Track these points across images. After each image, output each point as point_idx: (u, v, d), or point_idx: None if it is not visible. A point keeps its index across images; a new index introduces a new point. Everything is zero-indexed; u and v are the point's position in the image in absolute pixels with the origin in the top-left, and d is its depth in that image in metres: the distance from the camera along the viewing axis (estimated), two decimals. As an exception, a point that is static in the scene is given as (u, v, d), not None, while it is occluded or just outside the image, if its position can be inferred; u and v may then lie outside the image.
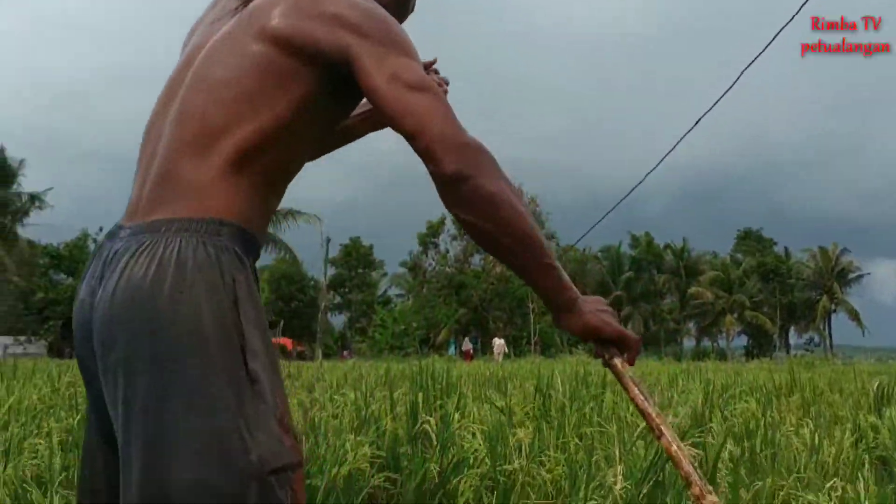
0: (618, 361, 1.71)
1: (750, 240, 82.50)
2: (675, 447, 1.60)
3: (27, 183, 60.43)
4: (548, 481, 4.40)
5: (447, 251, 71.56)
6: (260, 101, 1.56)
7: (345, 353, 58.82)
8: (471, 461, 4.76)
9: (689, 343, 79.94)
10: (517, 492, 4.09)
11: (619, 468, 3.86)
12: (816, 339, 79.25)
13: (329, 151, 2.15)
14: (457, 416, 5.47)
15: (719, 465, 3.63)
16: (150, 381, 1.36)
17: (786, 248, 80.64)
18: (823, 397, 8.54)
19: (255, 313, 1.47)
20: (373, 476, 5.54)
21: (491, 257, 51.51)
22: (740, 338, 78.84)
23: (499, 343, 44.63)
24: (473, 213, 1.53)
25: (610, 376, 9.82)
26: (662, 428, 1.62)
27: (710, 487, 1.55)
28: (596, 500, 3.67)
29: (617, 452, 4.16)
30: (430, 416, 5.48)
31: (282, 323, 58.59)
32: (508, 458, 4.52)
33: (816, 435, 4.91)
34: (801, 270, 78.15)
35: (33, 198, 55.12)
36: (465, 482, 4.46)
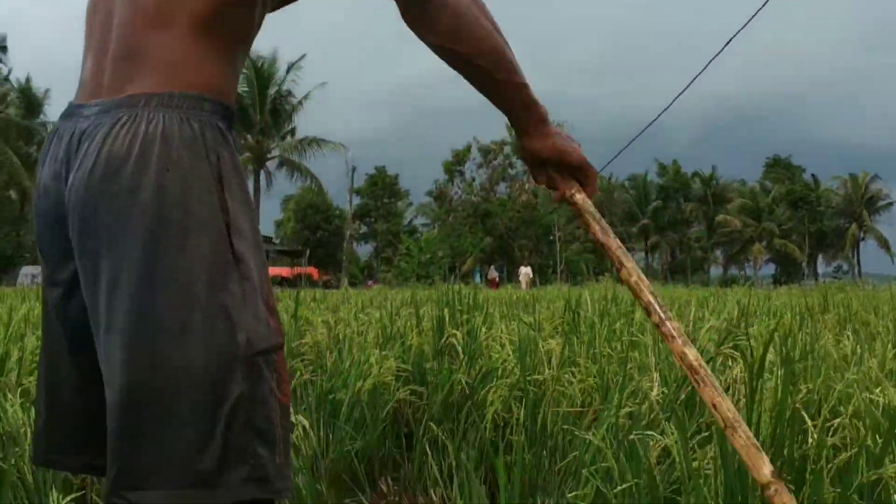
0: (579, 198, 1.75)
1: (779, 167, 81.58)
2: (634, 278, 1.68)
3: (52, 113, 60.46)
4: (579, 391, 4.27)
5: (473, 179, 71.40)
6: None
7: (370, 282, 58.98)
8: (499, 372, 4.64)
9: (715, 271, 79.76)
10: (548, 401, 3.95)
11: (655, 375, 3.70)
12: (845, 266, 78.84)
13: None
14: (483, 329, 5.33)
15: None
16: (135, 260, 1.31)
17: (814, 176, 79.79)
18: (858, 316, 8.35)
19: (240, 192, 1.42)
20: (398, 389, 5.44)
21: (517, 185, 51.29)
22: (768, 266, 78.68)
23: (525, 271, 43.36)
24: (441, 34, 1.49)
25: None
26: (623, 260, 1.69)
27: (671, 315, 1.65)
28: (630, 406, 3.52)
29: (652, 360, 4.01)
30: (457, 330, 5.35)
31: (308, 252, 58.87)
32: (538, 368, 4.39)
33: (857, 346, 4.75)
34: (831, 198, 77.47)
35: (59, 127, 55.04)
36: (494, 392, 4.34)
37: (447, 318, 5.57)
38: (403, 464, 4.87)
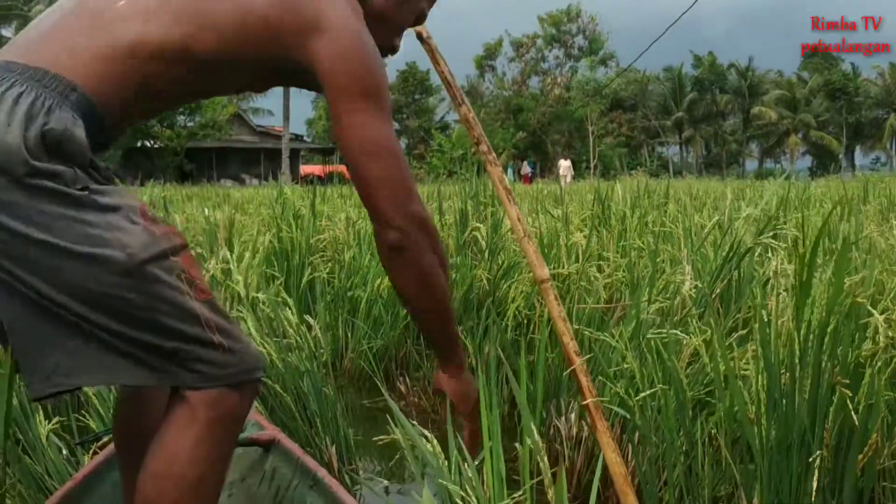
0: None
1: (817, 58, 79.64)
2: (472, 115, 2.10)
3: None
4: (607, 286, 4.03)
5: (504, 74, 70.39)
6: (208, 28, 1.53)
7: (403, 178, 58.63)
8: (522, 267, 4.40)
9: (751, 165, 78.63)
10: (572, 297, 3.71)
11: (687, 268, 3.43)
12: (883, 158, 77.49)
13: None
14: (507, 222, 5.07)
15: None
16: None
17: (853, 66, 77.84)
18: (901, 206, 8.00)
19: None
20: (419, 286, 5.24)
21: (550, 79, 50.58)
22: (804, 159, 77.53)
23: (565, 165, 40.48)
24: (401, 280, 1.65)
25: (671, 190, 9.35)
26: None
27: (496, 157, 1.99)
28: (661, 301, 3.26)
29: (685, 253, 3.74)
30: (481, 224, 5.09)
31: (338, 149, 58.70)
32: (563, 262, 4.14)
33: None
34: (869, 88, 75.63)
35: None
36: (516, 288, 4.10)
37: (470, 212, 5.31)
38: (423, 363, 4.69)
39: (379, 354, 4.84)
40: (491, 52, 69.84)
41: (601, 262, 4.32)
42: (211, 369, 1.47)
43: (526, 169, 47.19)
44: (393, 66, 73.88)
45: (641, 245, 4.44)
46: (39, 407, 2.95)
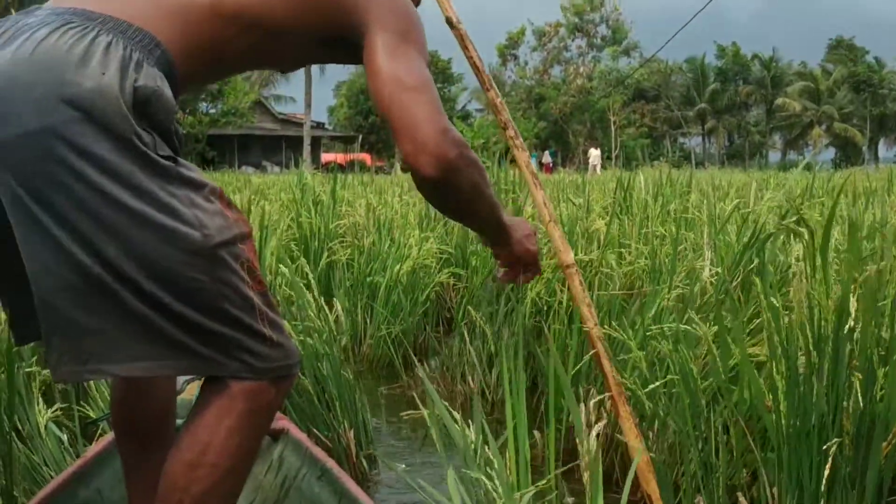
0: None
1: (841, 49, 78.95)
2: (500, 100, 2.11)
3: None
4: (627, 273, 4.01)
5: (526, 63, 70.17)
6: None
7: (424, 167, 58.54)
8: (543, 252, 4.39)
9: (773, 157, 78.11)
10: (591, 283, 3.69)
11: (709, 255, 3.40)
12: (907, 150, 76.88)
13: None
14: (528, 209, 5.04)
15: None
16: (69, 167, 1.27)
17: (877, 59, 77.10)
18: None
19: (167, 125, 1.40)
20: (439, 272, 5.22)
21: (572, 68, 50.35)
22: (828, 151, 76.97)
23: (595, 154, 39.76)
24: (456, 205, 1.65)
25: (694, 181, 9.30)
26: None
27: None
28: (681, 288, 3.24)
29: (705, 238, 3.71)
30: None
31: (360, 138, 58.61)
32: (583, 249, 4.12)
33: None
34: (894, 80, 74.96)
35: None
36: (535, 274, 4.10)
37: (492, 198, 5.30)
38: (441, 349, 4.68)
39: (398, 340, 4.83)
40: (513, 41, 69.60)
41: (622, 250, 4.30)
42: (258, 361, 1.45)
43: (547, 158, 47.04)
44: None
45: (664, 232, 4.41)
46: (38, 394, 2.90)
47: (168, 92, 1.37)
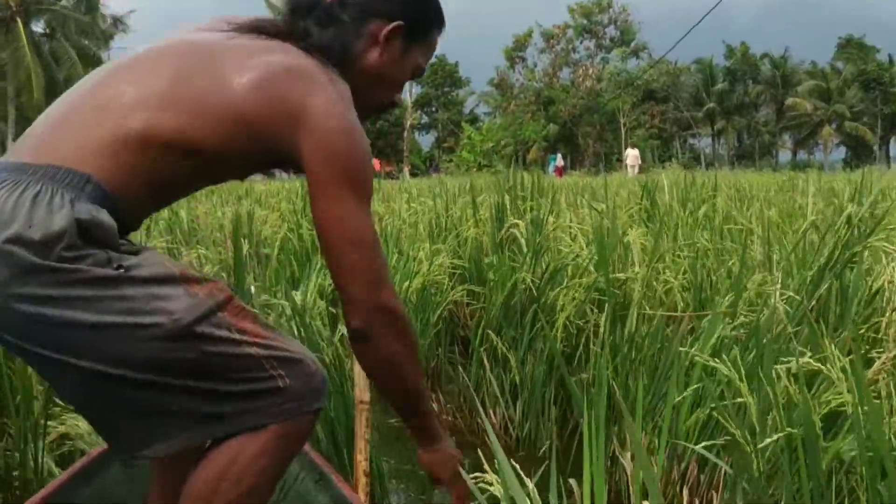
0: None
1: (851, 48, 78.50)
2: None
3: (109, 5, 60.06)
4: (665, 291, 3.52)
5: (535, 65, 69.78)
6: (209, 121, 1.53)
7: (433, 171, 58.43)
8: (569, 271, 3.90)
9: (783, 157, 77.64)
10: (637, 305, 3.20)
11: (778, 275, 2.89)
12: (919, 150, 76.39)
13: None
14: (550, 219, 4.55)
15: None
16: (23, 314, 1.37)
17: (889, 56, 76.66)
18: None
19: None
20: (452, 289, 4.72)
21: (581, 70, 50.21)
22: (838, 151, 76.58)
23: (633, 154, 37.28)
24: (366, 364, 1.68)
25: (718, 183, 8.84)
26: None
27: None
28: (745, 315, 2.75)
29: (758, 250, 3.21)
30: (519, 219, 4.59)
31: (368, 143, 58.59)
32: (619, 265, 3.63)
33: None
34: (905, 78, 74.57)
35: (116, 21, 54.66)
36: (566, 294, 3.59)
37: (508, 206, 4.82)
38: (457, 377, 4.20)
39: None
40: (521, 44, 69.26)
41: (658, 265, 3.80)
42: (283, 402, 1.52)
43: (561, 161, 46.62)
44: (422, 59, 73.44)
45: (706, 244, 3.90)
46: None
47: (106, 218, 1.43)
